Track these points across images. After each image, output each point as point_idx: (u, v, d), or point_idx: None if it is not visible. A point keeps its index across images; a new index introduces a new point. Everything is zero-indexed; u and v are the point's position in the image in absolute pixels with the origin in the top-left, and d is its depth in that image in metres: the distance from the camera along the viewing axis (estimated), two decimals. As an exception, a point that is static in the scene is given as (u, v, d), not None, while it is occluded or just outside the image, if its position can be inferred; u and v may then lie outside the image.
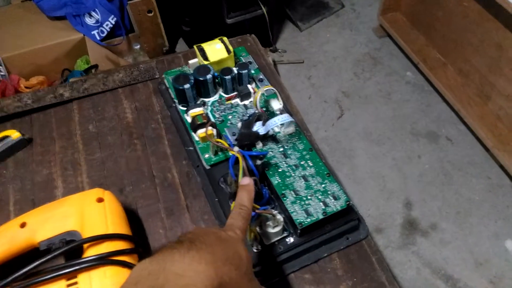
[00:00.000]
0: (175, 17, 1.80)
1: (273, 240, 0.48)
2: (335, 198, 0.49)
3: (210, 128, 0.54)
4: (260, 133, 0.52)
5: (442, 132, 1.55)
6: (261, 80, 0.63)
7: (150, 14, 1.68)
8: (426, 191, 1.41)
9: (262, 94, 0.59)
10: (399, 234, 1.32)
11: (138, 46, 1.67)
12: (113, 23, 1.65)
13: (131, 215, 0.54)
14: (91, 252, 0.44)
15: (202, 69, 0.59)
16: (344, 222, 0.50)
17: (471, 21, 1.42)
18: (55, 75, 1.58)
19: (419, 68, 1.67)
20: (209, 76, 0.58)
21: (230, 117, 0.59)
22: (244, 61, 0.66)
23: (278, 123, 0.51)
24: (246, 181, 0.43)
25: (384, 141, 1.54)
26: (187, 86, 0.57)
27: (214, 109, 0.60)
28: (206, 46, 0.62)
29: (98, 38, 1.63)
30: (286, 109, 0.60)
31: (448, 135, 1.54)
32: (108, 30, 1.65)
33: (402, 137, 1.55)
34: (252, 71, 0.64)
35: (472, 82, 1.50)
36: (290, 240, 0.48)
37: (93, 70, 1.47)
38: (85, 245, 0.45)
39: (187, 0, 1.70)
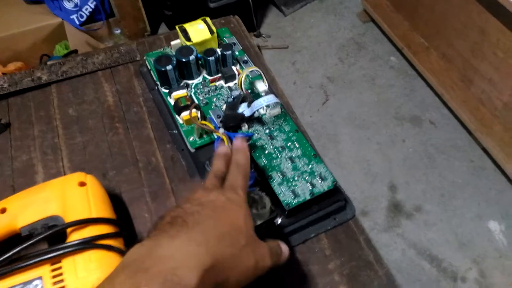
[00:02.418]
0: (156, 1, 1.76)
1: (260, 222, 0.47)
2: (322, 179, 0.48)
3: (194, 110, 0.52)
4: (246, 115, 0.51)
5: (425, 116, 1.56)
6: (245, 62, 0.62)
7: (130, -2, 1.64)
8: (410, 174, 1.42)
9: (247, 76, 0.58)
10: (384, 217, 1.34)
11: (119, 31, 1.63)
12: (93, 7, 1.61)
13: (115, 200, 0.52)
14: (74, 236, 0.43)
15: (184, 50, 0.58)
16: (331, 203, 0.49)
17: (454, 5, 1.42)
18: (33, 61, 1.54)
19: (403, 53, 1.68)
20: (192, 57, 0.57)
21: (214, 99, 0.58)
22: (227, 42, 0.64)
23: (264, 104, 0.50)
24: (238, 142, 0.40)
25: (369, 126, 1.55)
26: (169, 67, 0.55)
27: (198, 91, 0.59)
28: (188, 26, 0.60)
29: (77, 22, 1.59)
30: (271, 91, 0.59)
31: (431, 119, 1.55)
32: (88, 14, 1.61)
33: (386, 122, 1.55)
34: (236, 53, 0.63)
35: (455, 67, 1.51)
36: (278, 221, 0.48)
37: (72, 56, 1.43)
38: (69, 230, 0.44)
39: (169, -16, 1.67)
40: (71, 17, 1.58)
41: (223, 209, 0.33)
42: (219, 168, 0.38)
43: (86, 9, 1.60)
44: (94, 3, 1.61)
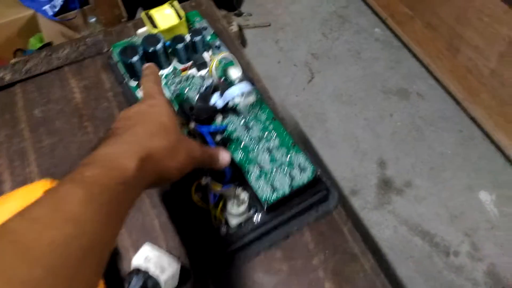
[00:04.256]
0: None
1: (239, 221, 0.45)
2: (302, 170, 0.46)
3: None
4: (218, 106, 0.48)
5: (413, 88, 1.54)
6: (218, 47, 0.59)
7: (103, -17, 1.58)
8: (399, 149, 1.40)
9: (219, 61, 0.54)
10: (374, 194, 1.32)
11: (95, 19, 1.57)
12: (65, -5, 1.55)
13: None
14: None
15: (150, 39, 0.54)
16: (313, 194, 0.47)
17: (437, -28, 1.38)
18: (8, 56, 1.48)
19: (387, 23, 1.64)
20: (159, 46, 0.53)
21: (186, 90, 0.55)
22: (198, 26, 0.61)
23: (237, 93, 0.47)
24: (145, 65, 0.44)
25: (356, 102, 1.52)
26: (135, 59, 0.52)
27: (169, 82, 0.55)
28: (154, 12, 0.57)
29: (50, 13, 1.53)
30: (246, 77, 0.56)
31: (419, 91, 1.53)
32: (61, 3, 1.55)
33: (373, 96, 1.53)
34: (208, 38, 0.60)
35: (441, 35, 1.48)
36: (257, 218, 0.46)
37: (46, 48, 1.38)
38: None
39: (142, -34, 1.60)
40: (44, 8, 1.52)
41: (147, 113, 0.37)
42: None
43: (59, -2, 1.54)
44: (66, -9, 1.55)
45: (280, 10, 1.84)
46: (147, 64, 0.44)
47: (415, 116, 1.47)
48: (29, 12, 1.50)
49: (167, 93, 0.54)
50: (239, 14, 1.82)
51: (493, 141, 1.37)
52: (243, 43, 1.72)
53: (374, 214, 1.29)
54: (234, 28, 1.60)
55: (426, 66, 1.53)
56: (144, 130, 0.34)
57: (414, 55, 1.57)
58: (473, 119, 1.42)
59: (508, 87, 1.29)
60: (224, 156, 0.41)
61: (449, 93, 1.47)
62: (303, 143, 0.50)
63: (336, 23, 1.75)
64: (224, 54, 0.52)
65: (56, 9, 1.54)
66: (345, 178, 1.36)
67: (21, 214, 0.25)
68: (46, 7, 1.52)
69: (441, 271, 1.18)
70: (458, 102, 1.45)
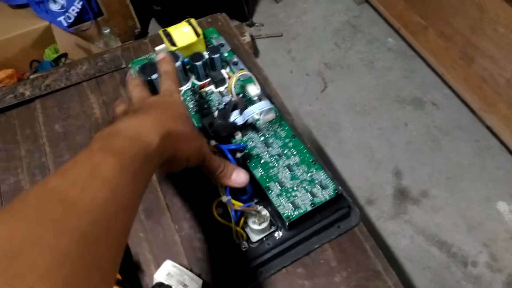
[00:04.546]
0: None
1: (260, 237, 0.45)
2: (323, 187, 0.45)
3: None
4: (238, 123, 0.48)
5: (427, 97, 1.52)
6: (235, 64, 0.59)
7: (117, -5, 1.60)
8: (414, 159, 1.39)
9: (238, 79, 0.55)
10: (390, 204, 1.31)
11: (108, 30, 1.59)
12: (80, 7, 1.57)
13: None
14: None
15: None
16: (334, 211, 0.47)
17: (450, -19, 1.38)
18: (24, 67, 1.50)
19: (400, 33, 1.63)
20: (178, 64, 0.53)
21: (205, 106, 0.55)
22: (215, 43, 0.61)
23: (257, 111, 0.47)
24: (161, 56, 0.46)
25: (370, 111, 1.51)
26: (154, 76, 0.52)
27: (188, 98, 0.56)
28: (172, 30, 0.57)
29: (65, 24, 1.55)
30: (264, 93, 0.56)
31: (433, 100, 1.51)
32: (75, 15, 1.57)
33: (387, 106, 1.52)
34: (225, 54, 0.60)
35: (455, 45, 1.47)
36: (279, 234, 0.45)
37: (63, 59, 1.40)
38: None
39: (156, -22, 1.62)
40: (58, 19, 1.54)
41: (166, 102, 0.40)
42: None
43: (73, 10, 1.57)
44: (81, 3, 1.57)
45: (292, 20, 1.84)
46: (163, 56, 0.46)
47: (431, 126, 1.45)
48: (44, 23, 1.53)
49: (188, 109, 0.54)
50: (251, 25, 1.83)
51: (510, 151, 1.35)
52: (256, 53, 1.73)
53: (391, 224, 1.28)
54: (246, 38, 1.61)
55: (440, 76, 1.51)
56: (165, 113, 0.37)
57: (428, 65, 1.56)
58: (489, 129, 1.40)
59: (524, 96, 1.28)
60: (240, 175, 0.42)
61: (464, 102, 1.46)
62: (316, 153, 0.50)
63: (348, 33, 1.75)
64: (243, 72, 0.52)
65: (71, 20, 1.56)
66: (360, 188, 1.35)
67: (61, 174, 0.27)
68: (61, 18, 1.55)
69: (459, 281, 1.17)
70: (473, 112, 1.43)
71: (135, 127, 0.33)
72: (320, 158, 0.49)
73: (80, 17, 1.60)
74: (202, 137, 0.40)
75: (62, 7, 1.54)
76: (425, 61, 1.56)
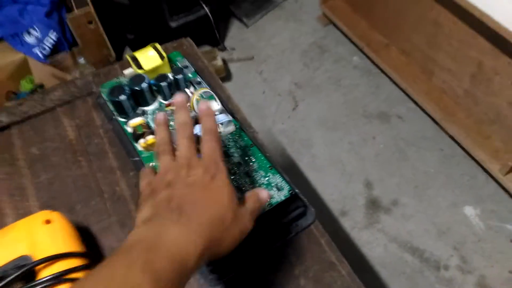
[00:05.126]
0: (118, 25, 1.77)
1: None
2: (279, 189, 0.50)
3: (151, 137, 0.54)
4: (200, 135, 0.53)
5: (392, 111, 1.60)
6: (199, 83, 0.64)
7: (91, 26, 1.65)
8: (384, 170, 1.45)
9: (201, 96, 0.59)
10: (363, 214, 1.36)
11: (83, 59, 1.64)
12: (54, 38, 1.61)
13: (85, 233, 0.53)
14: (44, 273, 0.44)
15: (136, 79, 0.59)
16: (291, 210, 0.51)
17: (407, 1, 1.47)
18: (0, 100, 1.53)
19: (365, 52, 1.72)
20: (144, 85, 0.58)
21: (172, 123, 0.59)
22: (180, 65, 0.66)
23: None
24: (203, 106, 0.43)
25: (339, 127, 1.58)
26: (122, 97, 0.57)
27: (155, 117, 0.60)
28: (138, 54, 0.62)
29: (40, 56, 1.59)
30: (227, 109, 0.61)
31: (398, 113, 1.59)
32: (50, 46, 1.61)
33: (356, 121, 1.59)
34: (190, 75, 0.65)
35: (415, 60, 1.56)
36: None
37: (39, 90, 1.43)
38: (38, 268, 0.45)
39: (128, 7, 1.68)
40: (34, 51, 1.58)
41: (210, 190, 0.38)
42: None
43: (48, 41, 1.61)
44: (56, 34, 1.61)
45: (262, 43, 1.92)
46: (205, 104, 0.43)
47: (397, 138, 1.53)
48: (19, 55, 1.56)
49: (152, 127, 0.58)
50: (223, 49, 1.89)
51: (473, 158, 1.42)
52: (228, 76, 1.79)
53: (364, 234, 1.32)
54: (218, 62, 1.67)
55: (404, 90, 1.60)
56: (207, 213, 0.36)
57: (392, 80, 1.64)
58: (452, 138, 1.48)
59: (481, 105, 1.36)
60: (263, 196, 0.42)
61: (427, 114, 1.54)
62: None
63: (316, 53, 1.83)
64: (204, 89, 0.57)
65: (46, 52, 1.60)
66: (334, 200, 1.40)
67: None
68: (36, 50, 1.58)
69: (433, 285, 1.21)
70: (436, 122, 1.51)
71: (177, 240, 0.33)
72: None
73: (55, 48, 1.64)
74: (243, 216, 0.39)
75: (37, 39, 1.58)
76: (389, 77, 1.64)
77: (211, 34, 1.84)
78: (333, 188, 1.43)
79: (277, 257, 0.50)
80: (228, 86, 1.76)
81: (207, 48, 1.83)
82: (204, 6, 1.75)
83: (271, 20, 2.01)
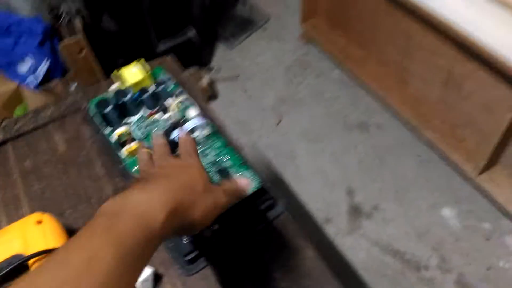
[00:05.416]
0: (108, 51, 1.84)
1: (201, 229, 0.55)
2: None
3: (133, 143, 0.60)
4: (177, 140, 0.59)
5: (372, 121, 1.68)
6: (179, 94, 0.70)
7: (82, 54, 1.72)
8: (365, 177, 1.51)
9: (180, 103, 0.66)
10: (346, 221, 1.42)
11: (75, 85, 1.70)
12: (47, 67, 1.67)
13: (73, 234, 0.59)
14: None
15: (121, 93, 0.66)
16: (262, 202, 0.57)
17: (380, 15, 1.56)
18: (-6, 126, 1.58)
19: (344, 65, 1.80)
20: (127, 98, 0.65)
21: (153, 130, 0.66)
22: (161, 79, 0.73)
23: (192, 126, 0.58)
24: (182, 135, 0.51)
25: (322, 138, 1.65)
26: (107, 109, 0.63)
27: (138, 126, 0.66)
28: (123, 70, 0.69)
29: (33, 84, 1.65)
30: (205, 116, 0.67)
31: (377, 122, 1.67)
32: (43, 75, 1.67)
33: (337, 132, 1.66)
34: (171, 87, 0.71)
35: (390, 71, 1.64)
36: (215, 226, 0.55)
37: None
38: (30, 263, 0.50)
39: (117, 34, 1.76)
40: (27, 80, 1.64)
41: (181, 167, 0.43)
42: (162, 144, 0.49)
43: (41, 70, 1.67)
44: (48, 63, 1.67)
45: (247, 62, 2.00)
46: (182, 136, 0.51)
47: (377, 146, 1.59)
48: (13, 85, 1.62)
49: (138, 135, 0.65)
50: (210, 69, 1.97)
51: (448, 161, 1.49)
52: (215, 95, 1.86)
53: (348, 239, 1.38)
54: (204, 82, 1.75)
55: (381, 100, 1.68)
56: (177, 182, 0.39)
57: (370, 91, 1.73)
58: (428, 143, 1.55)
59: (454, 110, 1.44)
60: (242, 181, 0.48)
61: (404, 121, 1.61)
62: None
63: (298, 70, 1.92)
64: (182, 97, 0.63)
65: (39, 80, 1.66)
66: (318, 208, 1.46)
67: (63, 259, 0.29)
68: (29, 79, 1.65)
69: (415, 285, 1.26)
70: (413, 129, 1.58)
71: (142, 202, 0.35)
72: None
73: (48, 76, 1.70)
74: (215, 190, 0.43)
75: (31, 68, 1.65)
76: (367, 88, 1.72)
77: (198, 56, 1.93)
78: (317, 196, 1.48)
79: (251, 243, 0.56)
80: (215, 104, 1.83)
81: (194, 69, 1.90)
82: (190, 29, 1.83)
83: (255, 41, 2.10)
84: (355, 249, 1.35)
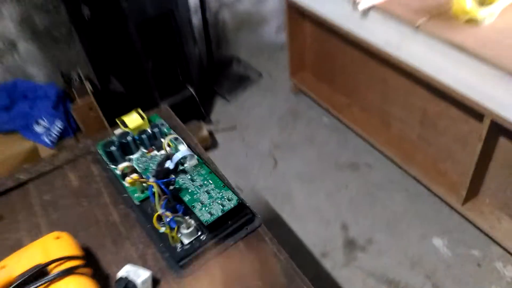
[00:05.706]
0: (115, 109, 2.01)
1: (190, 240, 0.65)
2: (229, 200, 0.67)
3: (134, 174, 0.73)
4: (170, 168, 0.71)
5: (361, 161, 1.79)
6: (172, 134, 0.83)
7: (92, 113, 1.88)
8: (358, 213, 1.61)
9: (172, 143, 0.79)
10: (342, 254, 1.49)
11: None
12: (61, 126, 1.83)
13: (86, 250, 0.69)
14: (56, 271, 0.60)
15: (123, 135, 0.79)
16: (242, 217, 0.68)
17: (358, 66, 1.72)
18: (11, 183, 1.71)
19: (331, 112, 1.95)
20: (129, 139, 0.78)
21: (151, 165, 0.78)
22: (157, 123, 0.86)
23: (180, 157, 0.71)
24: None
25: (315, 179, 1.76)
26: (112, 148, 0.76)
27: (138, 162, 0.79)
28: (125, 117, 0.83)
29: (48, 142, 1.80)
30: (194, 151, 0.80)
31: (366, 162, 1.78)
32: (57, 133, 1.82)
33: (329, 172, 1.77)
34: (165, 130, 0.85)
35: (373, 114, 1.78)
36: (203, 237, 0.66)
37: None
38: (50, 268, 0.61)
39: (123, 94, 1.94)
40: (42, 139, 1.80)
41: None
42: None
43: (55, 129, 1.82)
44: (61, 123, 1.84)
45: (243, 114, 2.16)
46: None
47: (367, 184, 1.70)
48: (30, 143, 1.77)
49: (140, 168, 0.77)
50: (209, 122, 2.13)
51: (435, 194, 1.58)
52: (215, 145, 2.00)
53: (344, 272, 1.45)
54: (204, 133, 1.89)
55: (368, 141, 1.80)
56: None
57: (357, 134, 1.86)
58: (414, 178, 1.65)
59: (434, 146, 1.55)
60: None
61: (391, 160, 1.72)
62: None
63: (290, 118, 2.07)
64: (172, 136, 0.76)
65: (53, 139, 1.82)
66: (315, 244, 1.54)
67: None
68: (45, 138, 1.80)
69: (409, 312, 1.32)
70: (399, 166, 1.69)
71: None
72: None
73: (62, 135, 1.86)
74: None
75: (45, 128, 1.81)
76: (354, 131, 1.86)
77: (197, 111, 2.09)
78: (313, 233, 1.57)
79: (232, 254, 0.66)
80: (215, 154, 1.97)
81: (194, 122, 2.06)
82: (189, 88, 2.01)
83: (250, 95, 2.28)
84: (351, 280, 1.42)
